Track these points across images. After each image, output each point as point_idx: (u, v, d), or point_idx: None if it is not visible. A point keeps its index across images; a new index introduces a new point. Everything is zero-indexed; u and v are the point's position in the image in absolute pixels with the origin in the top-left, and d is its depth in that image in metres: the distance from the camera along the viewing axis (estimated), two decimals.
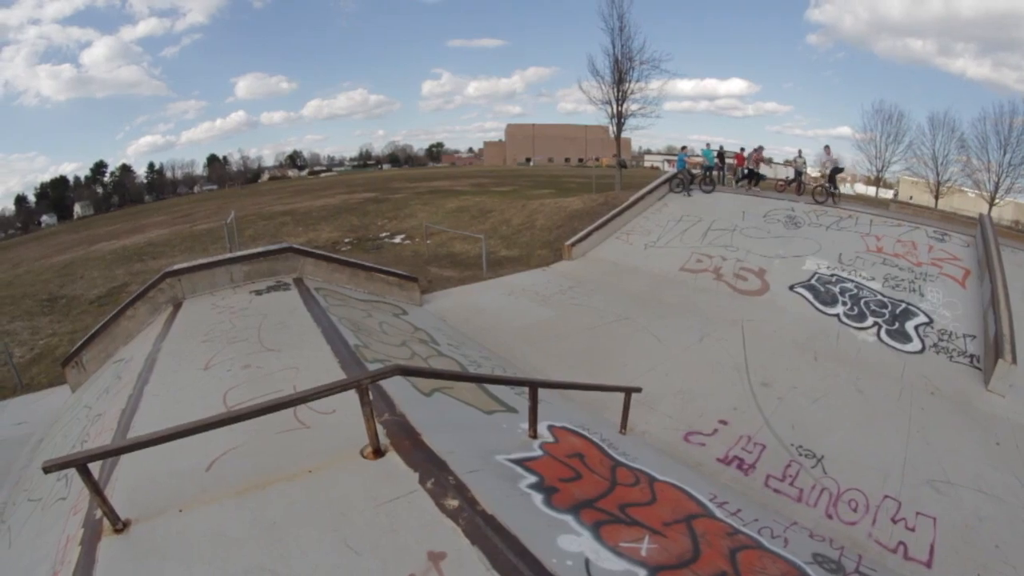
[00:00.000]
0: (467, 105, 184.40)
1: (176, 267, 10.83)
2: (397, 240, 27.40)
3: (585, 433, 6.66)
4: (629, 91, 33.17)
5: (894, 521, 6.95)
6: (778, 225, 16.95)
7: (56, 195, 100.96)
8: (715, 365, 10.56)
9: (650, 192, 20.91)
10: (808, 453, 8.15)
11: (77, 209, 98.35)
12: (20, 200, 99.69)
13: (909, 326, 11.75)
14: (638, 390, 8.20)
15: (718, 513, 5.60)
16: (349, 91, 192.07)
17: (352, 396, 5.59)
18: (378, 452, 4.71)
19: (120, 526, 4.24)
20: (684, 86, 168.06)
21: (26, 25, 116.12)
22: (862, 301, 12.75)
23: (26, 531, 6.27)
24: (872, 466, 7.87)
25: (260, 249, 11.84)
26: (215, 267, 11.05)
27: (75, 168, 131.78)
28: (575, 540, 4.05)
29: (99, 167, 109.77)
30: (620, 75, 32.84)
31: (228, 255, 11.64)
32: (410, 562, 3.61)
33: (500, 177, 66.66)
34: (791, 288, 13.63)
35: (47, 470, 3.87)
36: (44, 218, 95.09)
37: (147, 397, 6.60)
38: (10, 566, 5.92)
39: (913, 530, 6.81)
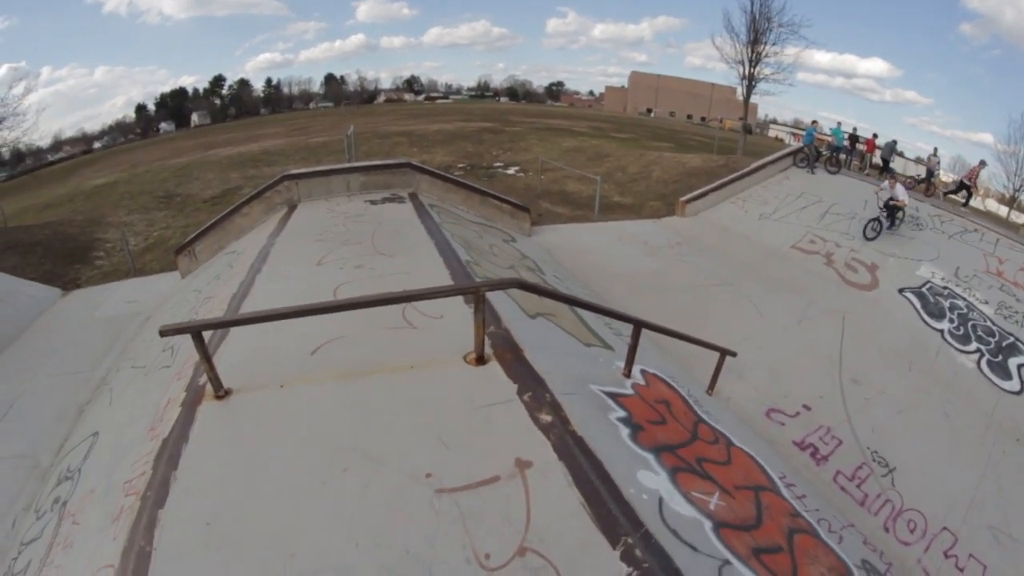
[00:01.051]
0: (591, 47, 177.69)
1: (294, 171, 11.19)
2: (511, 172, 27.41)
3: (674, 384, 6.65)
4: (763, 54, 31.70)
5: (946, 555, 6.78)
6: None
7: (175, 104, 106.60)
8: (809, 349, 10.21)
9: (773, 162, 19.96)
10: (882, 461, 7.94)
11: (195, 118, 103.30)
12: (140, 108, 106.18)
13: (1012, 363, 10.78)
14: (733, 354, 8.14)
15: (784, 492, 5.56)
16: (471, 22, 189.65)
17: (460, 305, 5.80)
18: (481, 360, 4.80)
19: (222, 393, 4.53)
20: (821, 58, 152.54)
21: None
22: (970, 323, 11.79)
23: (128, 392, 6.81)
24: (939, 494, 7.55)
25: (378, 162, 12.05)
26: (332, 174, 11.36)
27: (194, 81, 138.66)
28: (653, 478, 4.11)
29: (217, 80, 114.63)
30: (755, 36, 31.38)
31: (346, 164, 11.88)
32: (497, 464, 3.74)
33: (619, 124, 65.42)
34: (900, 291, 12.77)
35: (163, 333, 4.15)
36: (163, 125, 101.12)
37: (258, 283, 6.91)
38: (109, 420, 6.49)
39: (962, 571, 6.63)
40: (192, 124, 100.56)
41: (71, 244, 17.14)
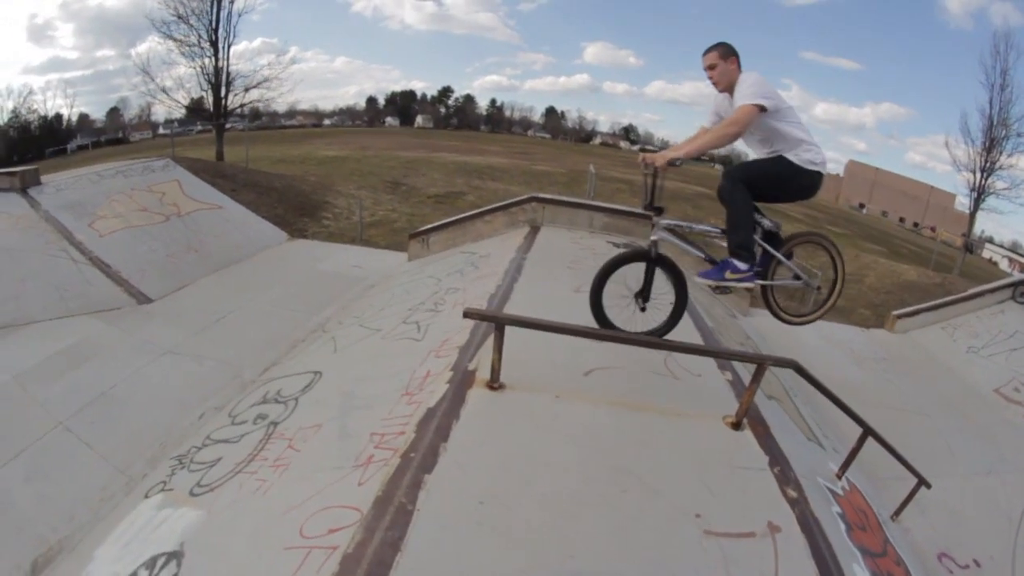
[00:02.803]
0: (810, 126, 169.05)
1: (543, 195, 11.88)
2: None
3: (869, 500, 6.62)
4: (998, 165, 28.81)
5: None
6: None
7: (403, 103, 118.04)
8: (994, 505, 9.26)
9: (991, 291, 18.44)
10: None
11: (419, 120, 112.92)
12: (371, 100, 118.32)
13: None
14: (928, 486, 7.62)
15: None
16: (695, 80, 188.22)
17: (714, 369, 6.01)
18: (736, 426, 4.97)
19: (497, 385, 4.90)
20: None
21: None
22: None
23: (359, 348, 7.57)
24: None
25: (624, 208, 12.44)
26: (580, 208, 11.90)
27: (423, 87, 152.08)
28: (861, 573, 4.26)
29: (446, 91, 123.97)
30: (991, 142, 28.56)
31: (593, 202, 12.37)
32: (753, 522, 3.90)
33: (832, 216, 62.74)
34: None
35: (468, 315, 4.69)
36: (388, 119, 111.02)
37: (517, 292, 7.42)
38: (335, 366, 7.25)
39: None
40: (416, 124, 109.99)
41: (302, 199, 19.04)
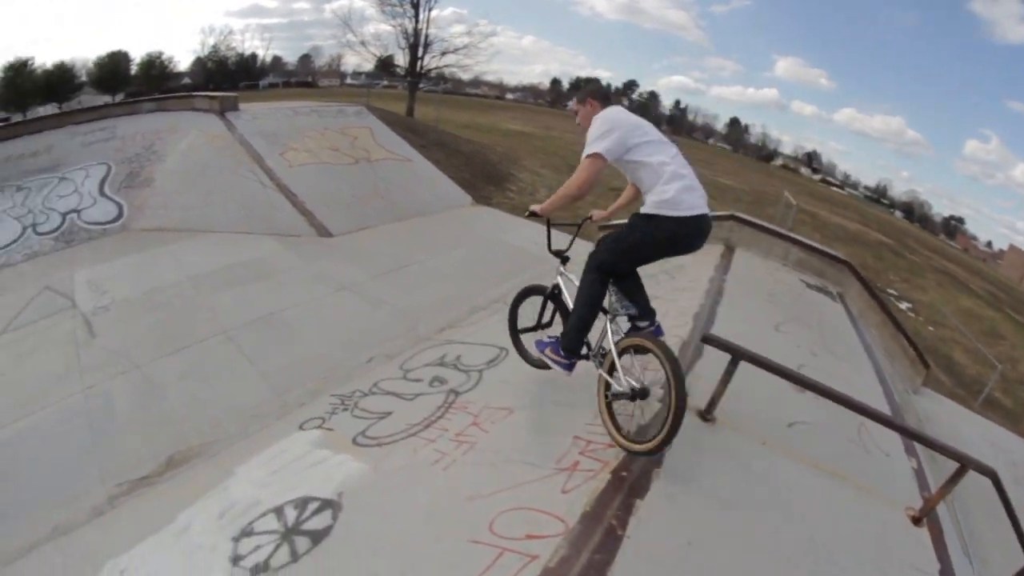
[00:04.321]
0: (1006, 189, 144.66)
1: (743, 216, 11.31)
2: (903, 306, 25.16)
3: None
4: None
5: None
6: None
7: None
8: None
9: None
10: None
11: None
12: (555, 82, 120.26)
13: None
14: None
15: None
16: (888, 115, 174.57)
17: (900, 449, 5.53)
18: (917, 522, 4.48)
19: (710, 417, 4.60)
20: None
21: None
22: None
23: None
24: None
25: (822, 247, 11.65)
26: (777, 238, 11.21)
27: (608, 76, 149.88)
28: None
29: (631, 84, 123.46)
30: None
31: (791, 234, 11.64)
32: None
33: (1018, 301, 57.07)
34: None
35: (706, 340, 4.35)
36: (569, 104, 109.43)
37: (720, 315, 6.98)
38: None
39: None
40: None
41: (489, 168, 19.21)
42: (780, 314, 7.85)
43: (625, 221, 4.24)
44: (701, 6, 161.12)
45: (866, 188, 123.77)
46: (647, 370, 4.11)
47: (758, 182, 41.58)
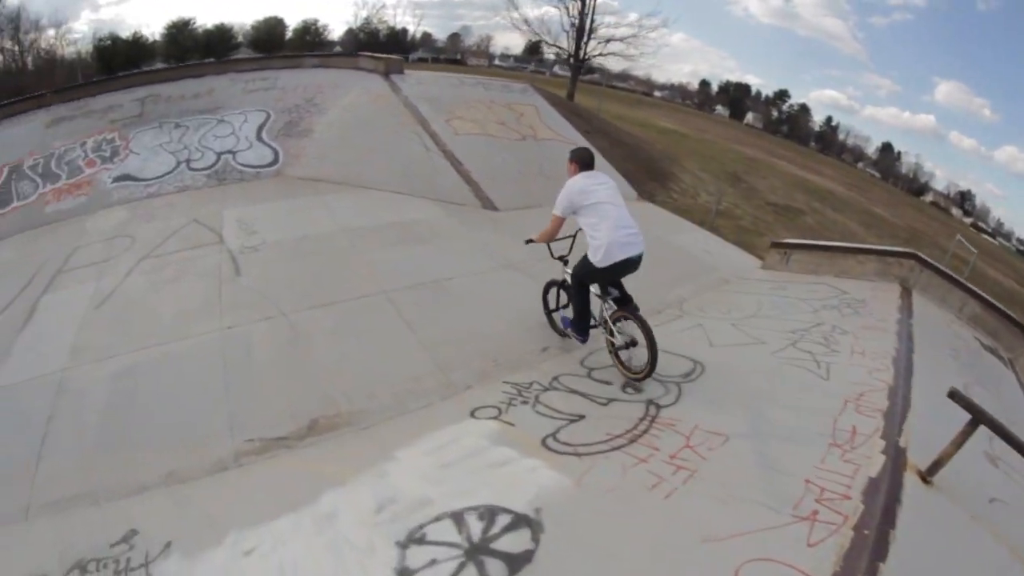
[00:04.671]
0: None
1: (926, 258, 10.16)
2: None
3: None
4: None
5: None
6: None
7: (735, 95, 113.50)
8: None
9: None
10: None
11: (749, 117, 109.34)
12: (704, 83, 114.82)
13: None
14: None
15: None
16: None
17: None
18: None
19: (930, 480, 4.14)
20: None
21: None
22: None
23: (746, 354, 6.76)
24: None
25: (1004, 309, 10.11)
26: (957, 287, 10.00)
27: (757, 83, 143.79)
28: None
29: (782, 94, 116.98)
30: None
31: (974, 288, 10.23)
32: None
33: None
34: None
35: (952, 397, 3.93)
36: (718, 108, 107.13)
37: (918, 367, 6.14)
38: (716, 362, 6.48)
39: None
40: (744, 121, 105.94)
41: (650, 163, 18.40)
42: (966, 374, 6.91)
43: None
44: (859, 16, 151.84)
45: (1019, 240, 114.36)
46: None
47: (911, 218, 38.46)
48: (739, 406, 5.21)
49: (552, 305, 7.20)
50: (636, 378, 5.87)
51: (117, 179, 13.18)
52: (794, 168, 38.42)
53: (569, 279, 6.47)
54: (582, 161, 6.06)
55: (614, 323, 6.06)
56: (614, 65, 37.29)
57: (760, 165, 31.08)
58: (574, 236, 6.49)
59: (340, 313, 7.41)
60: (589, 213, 5.71)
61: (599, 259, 5.60)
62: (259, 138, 14.40)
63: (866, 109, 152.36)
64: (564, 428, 5.00)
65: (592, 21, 31.04)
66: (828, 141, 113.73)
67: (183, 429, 5.39)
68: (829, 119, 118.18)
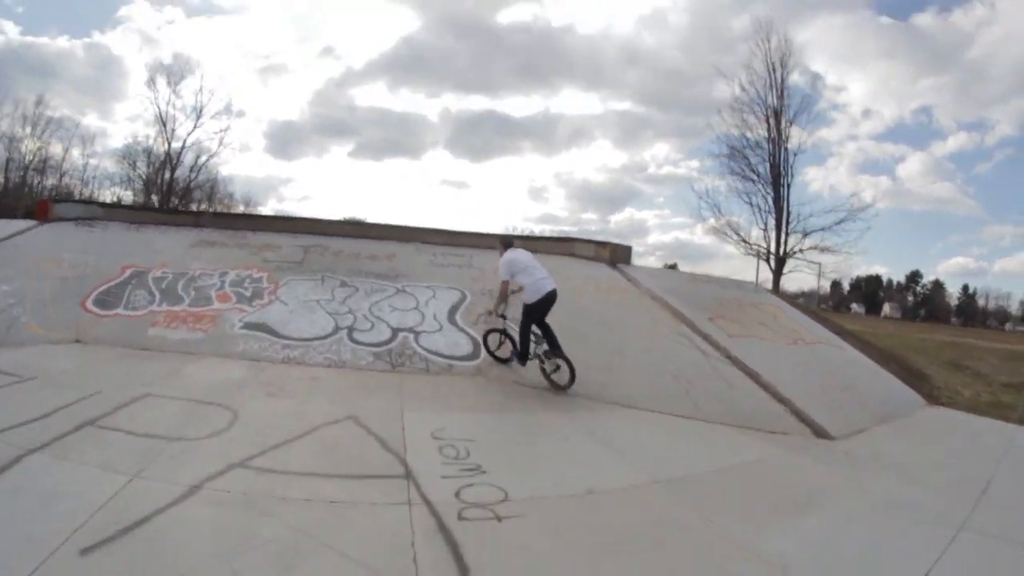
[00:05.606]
0: None
1: None
2: None
3: None
4: None
5: None
6: None
7: (868, 290, 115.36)
8: None
9: None
10: None
11: (886, 308, 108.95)
12: (835, 284, 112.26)
13: None
14: None
15: None
16: None
17: None
18: None
19: None
20: None
21: (845, 141, 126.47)
22: None
23: None
24: None
25: None
26: None
27: (886, 272, 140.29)
28: None
29: (914, 276, 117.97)
30: None
31: None
32: None
33: None
34: None
35: None
36: (853, 305, 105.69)
37: None
38: None
39: None
40: (883, 314, 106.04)
41: (902, 364, 15.65)
42: None
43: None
44: (964, 171, 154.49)
45: None
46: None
47: None
48: None
49: (492, 348, 10.67)
50: (564, 391, 9.55)
51: (249, 326, 11.00)
52: (983, 342, 37.38)
53: (515, 325, 9.99)
54: (507, 243, 10.55)
55: (547, 358, 9.69)
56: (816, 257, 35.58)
57: (959, 348, 29.26)
58: (507, 297, 9.86)
59: None
60: (521, 273, 9.80)
61: (533, 299, 9.57)
62: (452, 321, 11.78)
63: (996, 264, 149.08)
64: None
65: (788, 213, 29.87)
66: (969, 312, 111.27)
67: None
68: (965, 288, 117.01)
